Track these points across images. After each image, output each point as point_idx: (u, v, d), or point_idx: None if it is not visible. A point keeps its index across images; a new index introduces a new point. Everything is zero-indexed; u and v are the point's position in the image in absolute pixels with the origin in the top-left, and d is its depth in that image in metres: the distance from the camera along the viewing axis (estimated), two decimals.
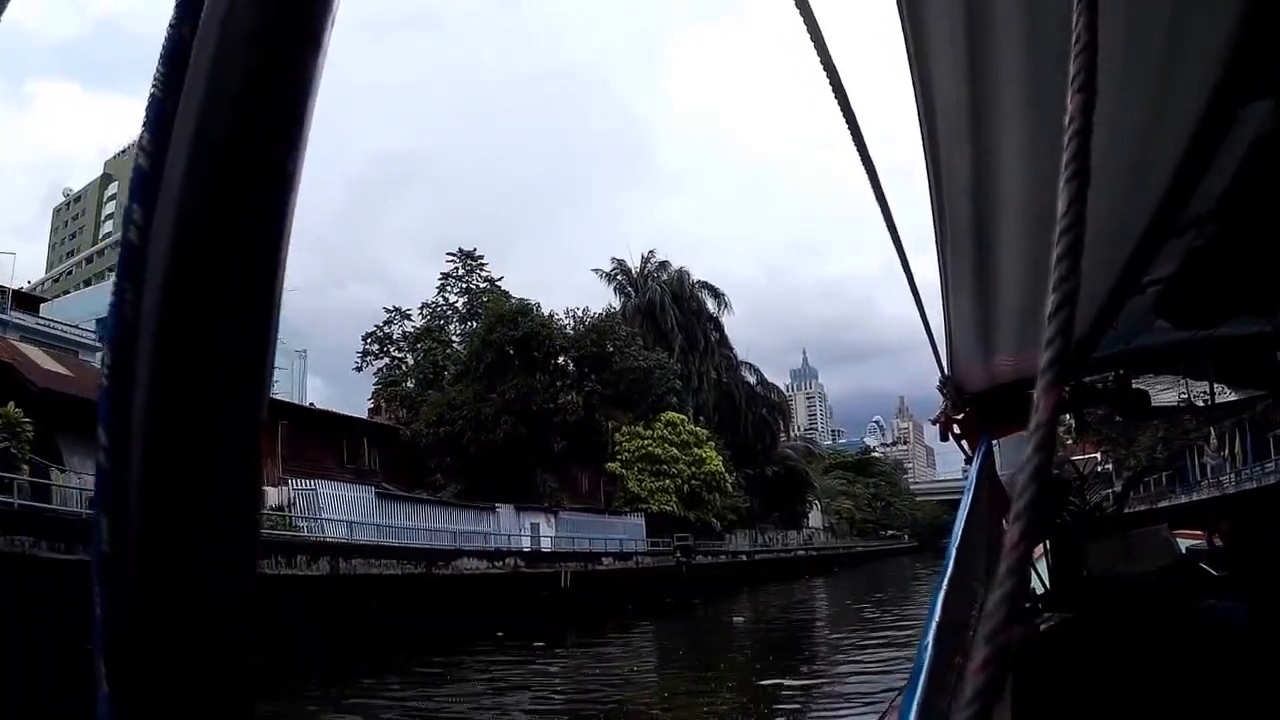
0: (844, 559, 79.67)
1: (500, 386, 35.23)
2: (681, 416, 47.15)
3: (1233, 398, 5.39)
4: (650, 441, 45.04)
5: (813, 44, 1.38)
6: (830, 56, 1.41)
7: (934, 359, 3.44)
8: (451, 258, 49.26)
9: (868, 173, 1.80)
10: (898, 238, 2.17)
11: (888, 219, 2.05)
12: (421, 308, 48.28)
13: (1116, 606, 3.66)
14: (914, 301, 2.76)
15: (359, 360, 46.51)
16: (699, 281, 58.90)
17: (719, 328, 60.85)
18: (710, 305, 60.23)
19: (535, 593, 29.17)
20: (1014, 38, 1.36)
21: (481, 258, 48.08)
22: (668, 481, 44.47)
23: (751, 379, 65.19)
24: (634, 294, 56.14)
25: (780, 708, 13.32)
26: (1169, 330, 3.18)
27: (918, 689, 1.35)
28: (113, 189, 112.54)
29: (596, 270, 57.40)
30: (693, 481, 45.04)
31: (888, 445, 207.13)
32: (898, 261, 2.39)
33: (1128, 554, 4.06)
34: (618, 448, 45.71)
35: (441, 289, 49.34)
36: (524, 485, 36.06)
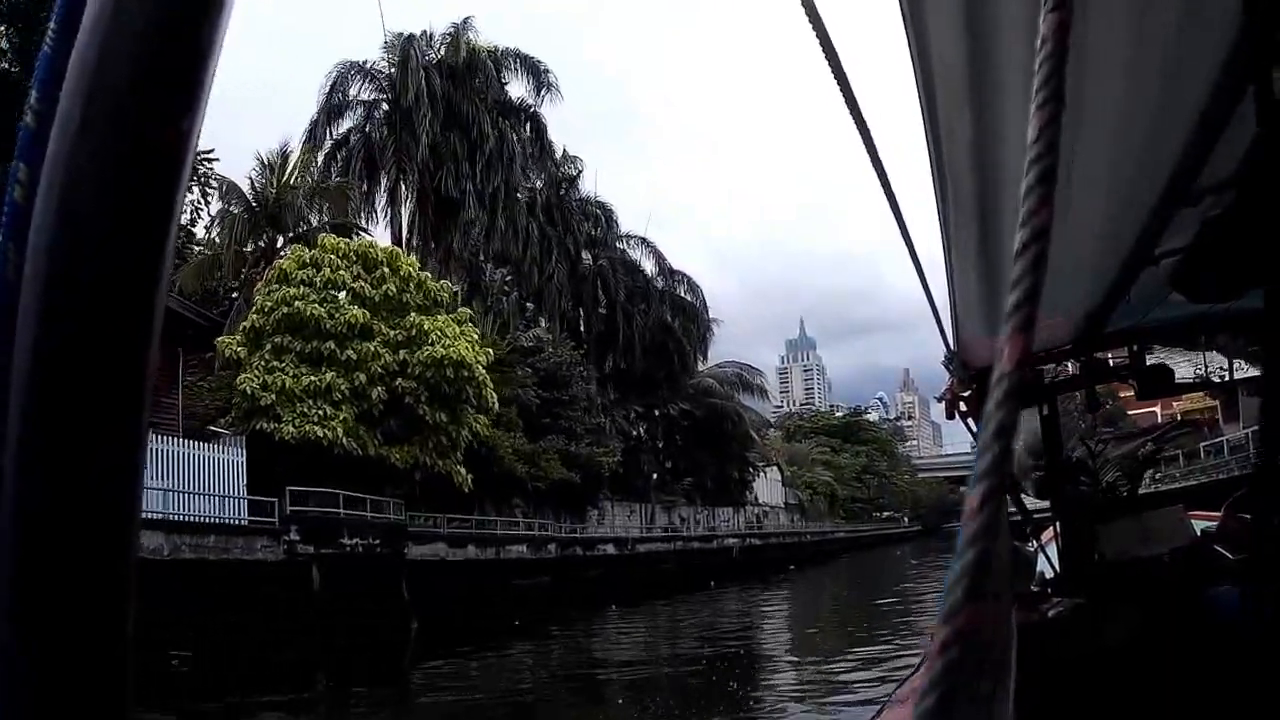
0: (810, 550, 54.46)
1: None
2: (390, 249, 21.74)
3: (1252, 373, 5.11)
4: (303, 290, 19.53)
5: (804, 7, 1.29)
6: (820, 18, 1.30)
7: (939, 334, 3.39)
8: None
9: (865, 143, 1.67)
10: (898, 209, 2.03)
11: (887, 190, 1.91)
12: None
13: (1128, 592, 3.50)
14: (917, 276, 2.62)
15: None
16: (503, 50, 32.83)
17: (542, 137, 34.81)
18: (520, 91, 34.06)
19: None
20: None
21: None
22: (333, 376, 18.77)
23: (648, 264, 39.41)
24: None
25: None
26: (1184, 304, 3.05)
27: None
28: None
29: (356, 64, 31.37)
30: (403, 382, 19.17)
31: (891, 421, 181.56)
32: (900, 235, 2.25)
33: (1141, 536, 3.84)
34: (255, 307, 20.45)
35: None
36: None
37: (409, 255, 24.34)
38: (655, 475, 41.27)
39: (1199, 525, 4.02)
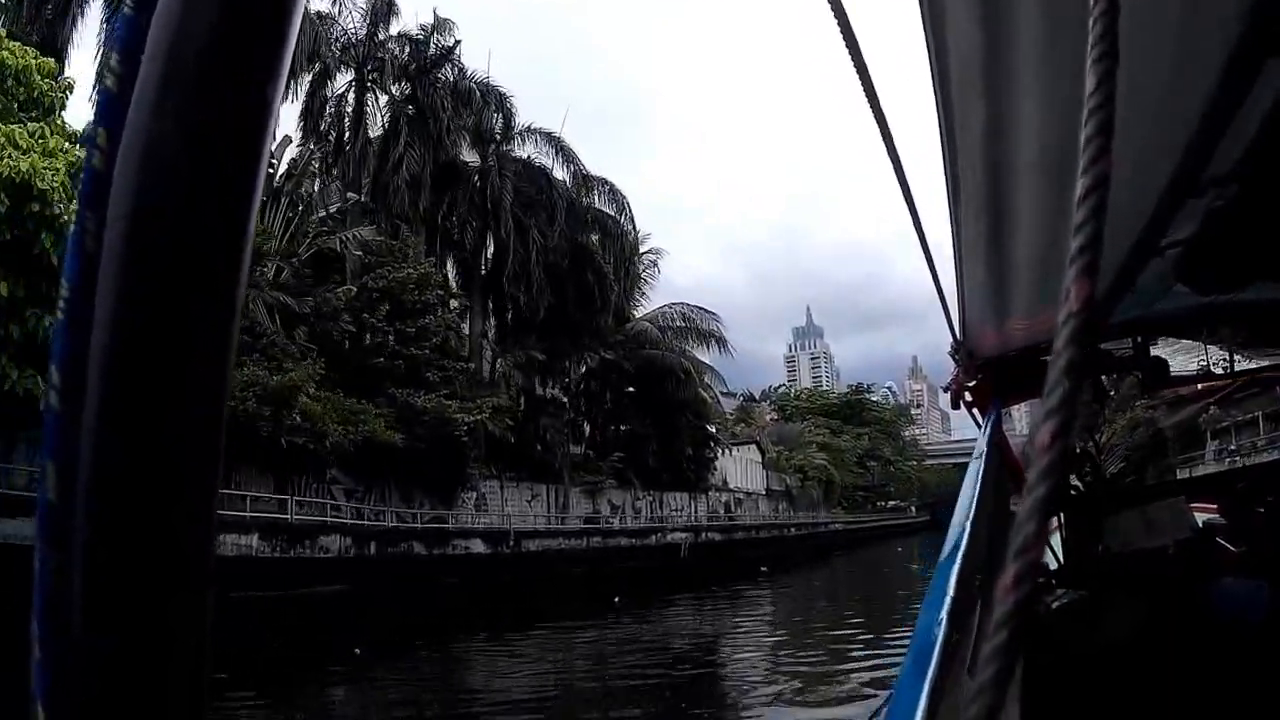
0: (794, 546, 44.02)
1: None
2: None
3: (1253, 365, 5.21)
4: None
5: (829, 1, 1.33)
6: (844, 10, 1.34)
7: (946, 325, 3.40)
8: None
9: (881, 133, 1.70)
10: (910, 197, 2.06)
11: (900, 178, 1.94)
12: None
13: (1131, 583, 3.52)
14: (927, 266, 2.67)
15: None
16: None
17: None
18: None
19: None
20: None
21: None
22: None
23: (559, 170, 29.08)
24: None
25: None
26: (1188, 295, 3.04)
27: (930, 666, 1.28)
28: None
29: None
30: None
31: (897, 401, 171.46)
32: (911, 224, 2.31)
33: (1144, 528, 3.83)
34: None
35: None
36: None
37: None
38: (576, 449, 30.98)
39: (1200, 518, 4.01)
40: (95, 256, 0.42)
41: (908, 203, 2.07)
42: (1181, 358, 4.93)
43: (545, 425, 27.91)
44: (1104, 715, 2.91)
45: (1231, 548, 3.65)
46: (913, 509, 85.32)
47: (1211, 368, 5.27)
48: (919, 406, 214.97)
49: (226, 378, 0.44)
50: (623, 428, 32.78)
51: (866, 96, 1.52)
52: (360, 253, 22.84)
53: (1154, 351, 4.11)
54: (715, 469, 40.29)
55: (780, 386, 69.77)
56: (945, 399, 4.30)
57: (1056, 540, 4.05)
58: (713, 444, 38.56)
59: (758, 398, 68.97)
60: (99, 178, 0.43)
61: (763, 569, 34.96)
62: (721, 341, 36.07)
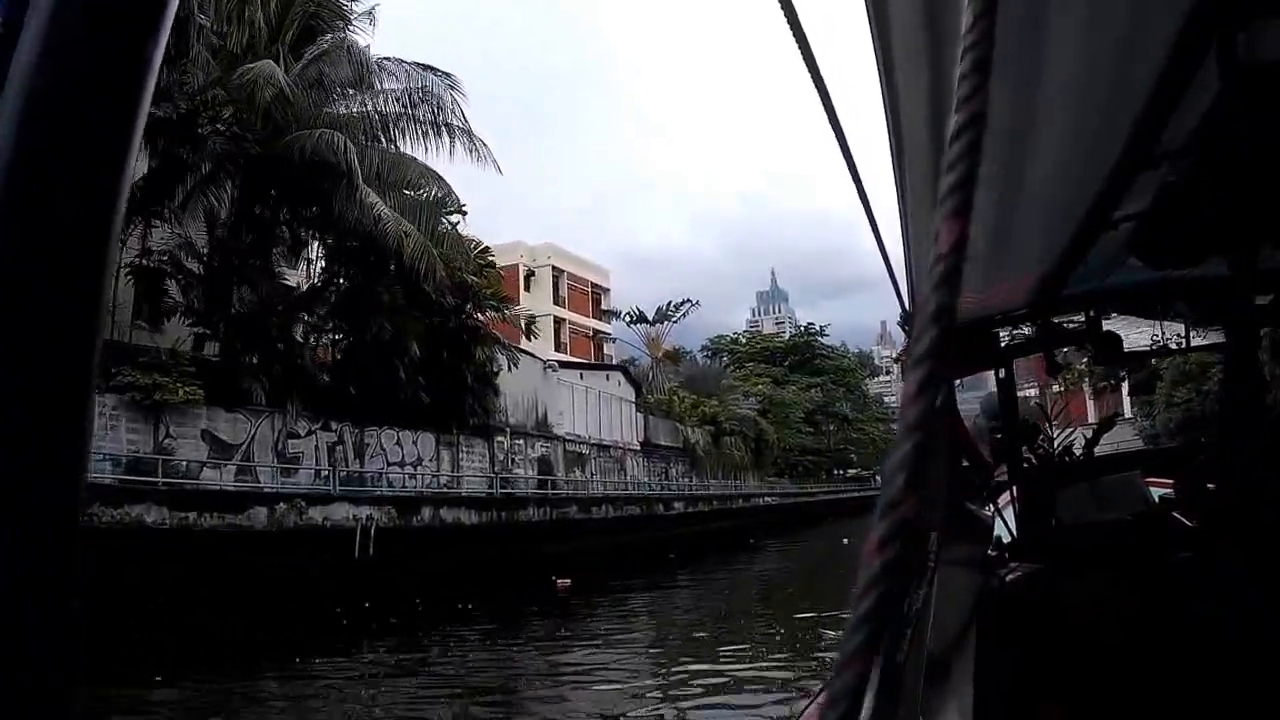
0: (666, 531, 27.46)
1: None
2: None
3: (1207, 341, 5.31)
4: None
5: None
6: None
7: (895, 296, 3.45)
8: None
9: (825, 109, 1.71)
10: (853, 165, 2.00)
11: (843, 147, 1.88)
12: None
13: (1086, 557, 3.52)
14: (873, 234, 2.60)
15: None
16: None
17: None
18: None
19: None
20: None
21: None
22: None
23: None
24: None
25: None
26: (1142, 269, 3.10)
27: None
28: None
29: None
30: None
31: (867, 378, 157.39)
32: (856, 195, 2.30)
33: (1099, 501, 3.92)
34: None
35: None
36: None
37: None
38: (150, 333, 14.38)
39: (1156, 492, 4.10)
40: None
41: (850, 169, 2.02)
42: (1134, 333, 5.09)
43: None
44: (1064, 685, 2.89)
45: (1187, 522, 3.66)
46: (877, 479, 69.78)
47: (1166, 343, 5.20)
48: (888, 373, 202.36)
49: (97, 332, 0.44)
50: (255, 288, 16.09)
51: (807, 66, 1.51)
52: None
53: (1106, 326, 4.11)
54: (499, 394, 23.64)
55: (686, 301, 52.68)
56: None
57: (1010, 514, 4.06)
58: (483, 346, 21.65)
59: (651, 318, 51.90)
60: None
61: (562, 583, 18.45)
62: (453, 129, 19.23)
